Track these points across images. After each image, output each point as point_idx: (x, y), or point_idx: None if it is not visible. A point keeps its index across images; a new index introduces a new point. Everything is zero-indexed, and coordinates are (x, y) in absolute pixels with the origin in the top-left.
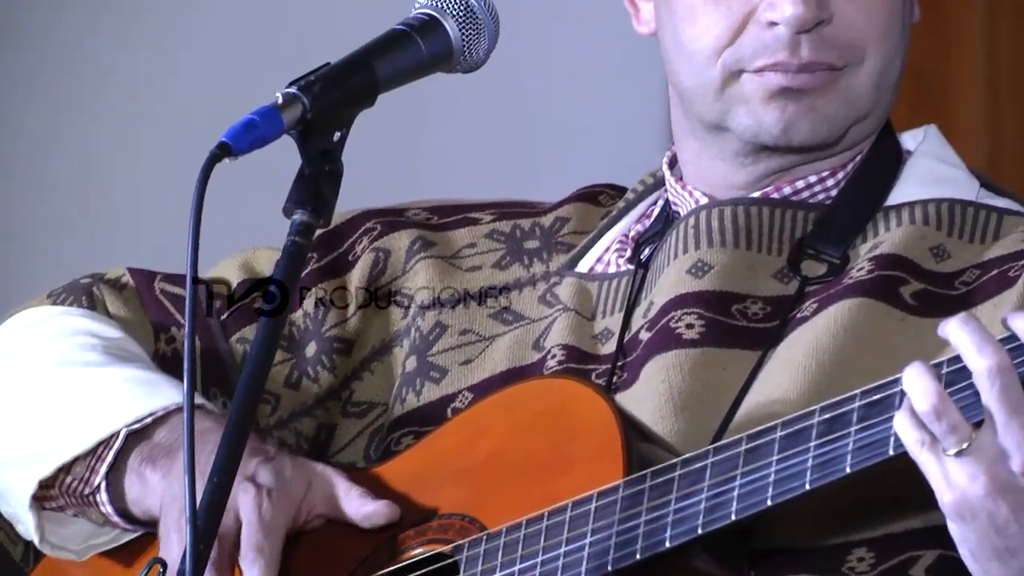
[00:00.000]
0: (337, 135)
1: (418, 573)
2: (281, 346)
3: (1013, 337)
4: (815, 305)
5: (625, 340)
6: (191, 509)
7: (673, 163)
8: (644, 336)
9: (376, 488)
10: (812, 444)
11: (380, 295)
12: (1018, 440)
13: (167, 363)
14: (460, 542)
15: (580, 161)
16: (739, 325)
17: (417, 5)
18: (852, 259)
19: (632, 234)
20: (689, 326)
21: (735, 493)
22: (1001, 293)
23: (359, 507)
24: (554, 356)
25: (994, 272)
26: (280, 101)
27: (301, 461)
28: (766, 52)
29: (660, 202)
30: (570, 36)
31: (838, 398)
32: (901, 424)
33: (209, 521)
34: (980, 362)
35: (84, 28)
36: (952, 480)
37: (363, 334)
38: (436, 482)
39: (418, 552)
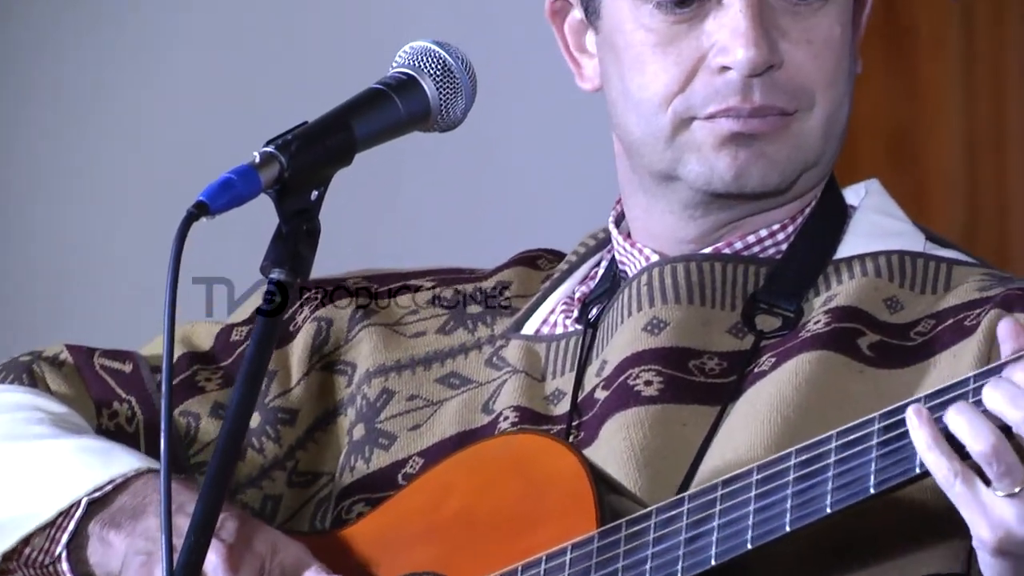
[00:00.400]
0: (314, 194)
1: None
2: (223, 416)
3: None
4: (773, 359)
5: (579, 400)
6: (168, 569)
7: (619, 221)
8: (600, 395)
9: (344, 550)
10: (790, 485)
11: (323, 364)
12: None
13: (111, 438)
14: None
15: (550, 219)
16: (697, 381)
17: (395, 64)
18: (806, 312)
19: (578, 295)
20: (648, 383)
21: (713, 537)
22: (959, 343)
23: None
24: (507, 418)
25: (949, 322)
26: (257, 160)
27: (266, 526)
28: (717, 98)
29: (604, 262)
30: (545, 96)
31: (813, 440)
32: (932, 457)
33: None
34: (1020, 413)
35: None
36: (996, 517)
37: (307, 404)
38: (404, 542)
39: None
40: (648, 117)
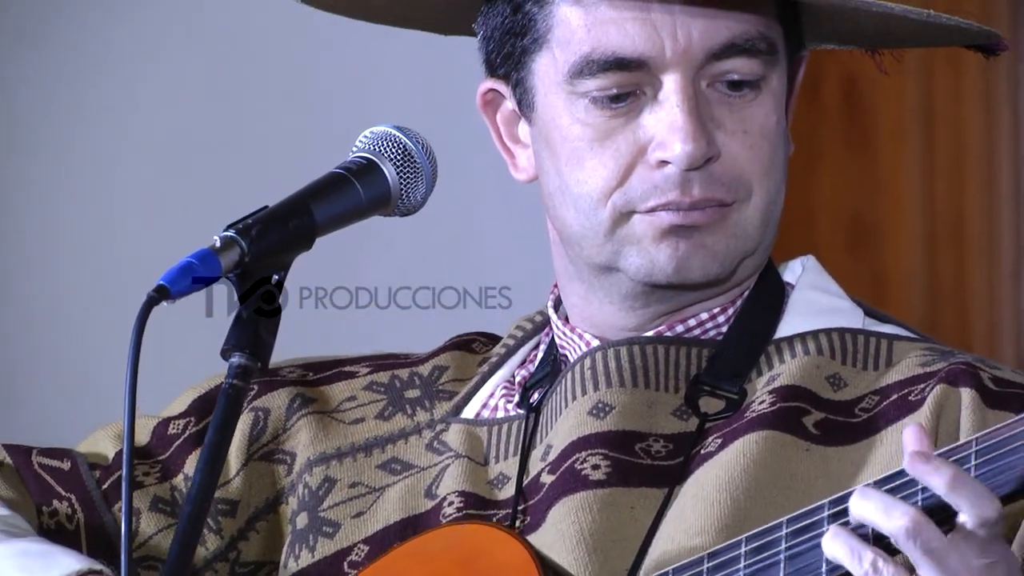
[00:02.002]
0: (275, 278)
1: None
2: (164, 511)
3: (911, 482)
4: (719, 440)
5: (524, 484)
6: None
7: (557, 304)
8: (547, 479)
9: None
10: (741, 572)
11: (261, 455)
12: None
13: (53, 537)
14: None
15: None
16: (644, 463)
17: (355, 148)
18: (749, 393)
19: (518, 379)
20: (595, 467)
21: None
22: (905, 417)
23: None
24: (451, 503)
25: (894, 397)
26: (218, 244)
27: None
28: (657, 192)
29: (543, 346)
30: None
31: (762, 527)
32: (837, 549)
33: None
34: (894, 524)
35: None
36: None
37: (246, 494)
38: None
39: None
40: (587, 211)
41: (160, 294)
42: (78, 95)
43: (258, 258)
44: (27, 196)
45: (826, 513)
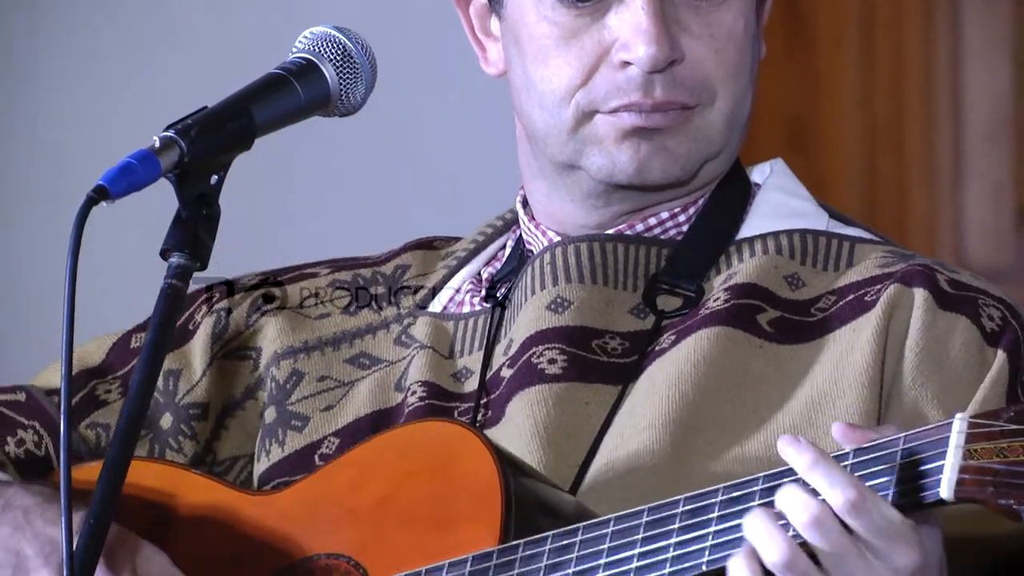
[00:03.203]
0: (214, 179)
1: None
2: None
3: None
4: (673, 337)
5: (487, 378)
6: (68, 551)
7: (525, 203)
8: (506, 373)
9: (262, 519)
10: (674, 534)
11: (225, 353)
12: None
13: (24, 466)
14: None
15: (451, 204)
16: (599, 360)
17: (295, 49)
18: (707, 292)
19: (485, 275)
20: (552, 361)
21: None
22: (859, 318)
23: None
24: (414, 393)
25: (850, 298)
26: (157, 145)
27: (130, 536)
28: (619, 93)
29: (510, 243)
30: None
31: (701, 491)
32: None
33: (87, 561)
34: (770, 557)
35: None
36: None
37: (214, 394)
38: (326, 520)
39: None
40: (551, 109)
41: (99, 195)
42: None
43: (197, 159)
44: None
45: (759, 487)
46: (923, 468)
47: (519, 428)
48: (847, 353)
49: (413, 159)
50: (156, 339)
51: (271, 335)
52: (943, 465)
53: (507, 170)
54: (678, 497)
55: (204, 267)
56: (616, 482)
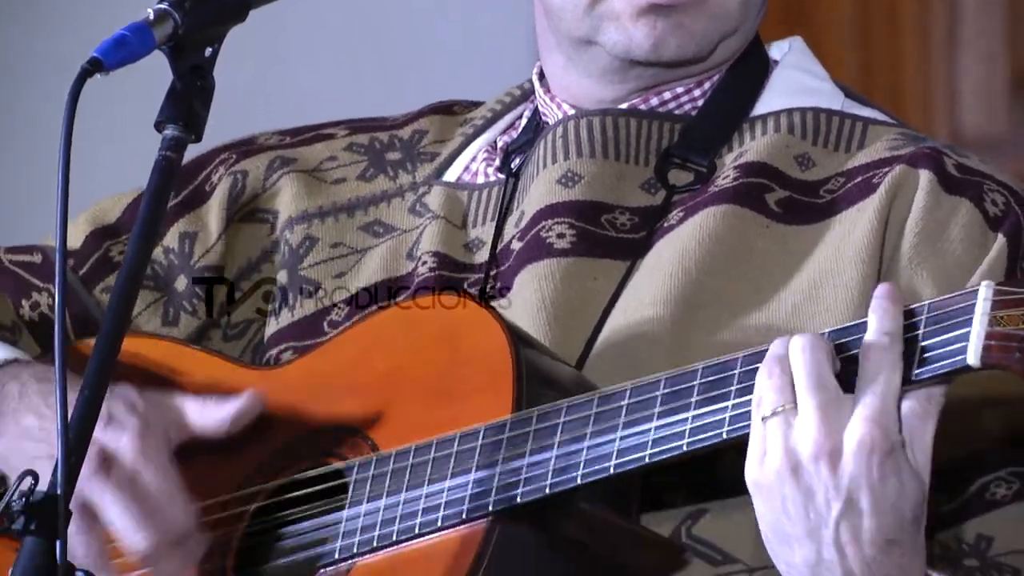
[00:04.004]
0: (208, 51)
1: (309, 490)
2: (147, 287)
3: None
4: (681, 214)
5: (498, 250)
6: (62, 422)
7: (542, 75)
8: (516, 246)
9: (270, 394)
10: (692, 407)
11: (242, 216)
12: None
13: (38, 328)
14: (352, 461)
15: (448, 78)
16: (608, 235)
17: None
18: (719, 168)
19: (500, 144)
20: (560, 235)
21: (615, 447)
22: (864, 200)
23: (217, 412)
24: (425, 263)
25: (858, 180)
26: (151, 17)
27: (142, 391)
28: None
29: (527, 113)
30: None
31: (721, 359)
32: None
33: (81, 433)
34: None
35: None
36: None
37: (229, 257)
38: (333, 392)
39: (310, 465)
40: None
41: (94, 66)
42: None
43: (191, 30)
44: None
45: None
46: (949, 335)
47: (526, 302)
48: (849, 232)
49: (418, 25)
50: (150, 212)
51: (287, 198)
52: (969, 332)
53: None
54: (696, 366)
55: (199, 139)
56: (619, 359)
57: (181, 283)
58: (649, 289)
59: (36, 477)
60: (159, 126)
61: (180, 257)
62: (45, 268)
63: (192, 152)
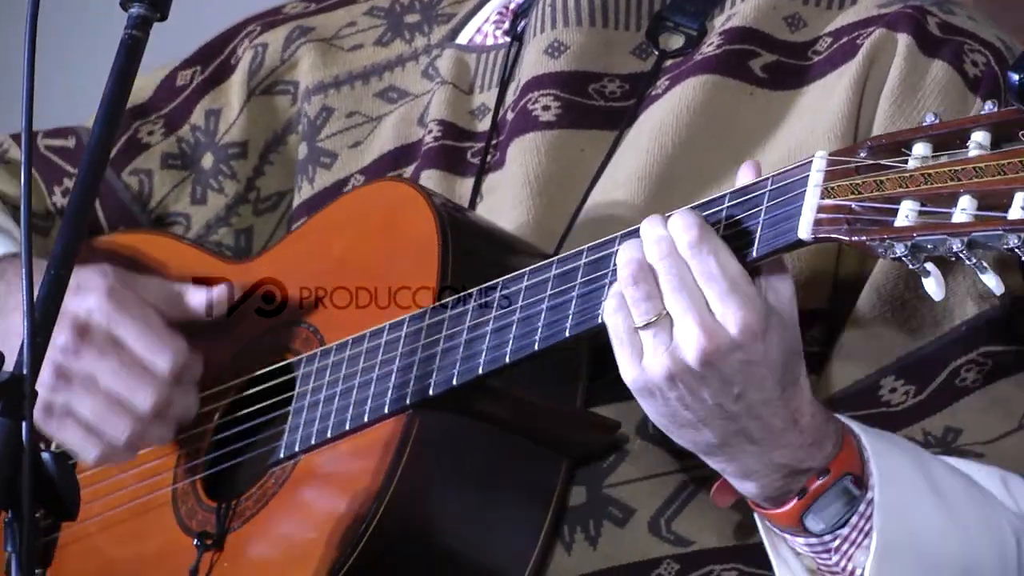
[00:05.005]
0: None
1: (263, 387)
2: (174, 166)
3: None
4: (667, 83)
5: (499, 117)
6: (28, 300)
7: None
8: (509, 116)
9: (242, 287)
10: (576, 288)
11: (263, 89)
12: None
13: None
14: (301, 356)
15: None
16: (596, 105)
17: None
18: (709, 32)
19: (512, 5)
20: (545, 108)
21: (511, 334)
22: (841, 66)
23: (196, 295)
24: (431, 131)
25: (844, 40)
26: None
27: (120, 270)
28: None
29: None
30: None
31: (602, 239)
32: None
33: (47, 312)
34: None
35: None
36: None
37: (253, 131)
38: (290, 285)
39: (273, 361)
40: None
41: None
42: None
43: None
44: None
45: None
46: (786, 209)
47: (513, 176)
48: (826, 101)
49: None
50: (114, 92)
51: (305, 68)
52: (802, 206)
53: None
54: (582, 248)
55: (164, 18)
56: (596, 236)
57: (207, 160)
58: (626, 165)
59: (2, 358)
60: (124, 4)
61: (206, 135)
62: (78, 153)
63: (221, 26)
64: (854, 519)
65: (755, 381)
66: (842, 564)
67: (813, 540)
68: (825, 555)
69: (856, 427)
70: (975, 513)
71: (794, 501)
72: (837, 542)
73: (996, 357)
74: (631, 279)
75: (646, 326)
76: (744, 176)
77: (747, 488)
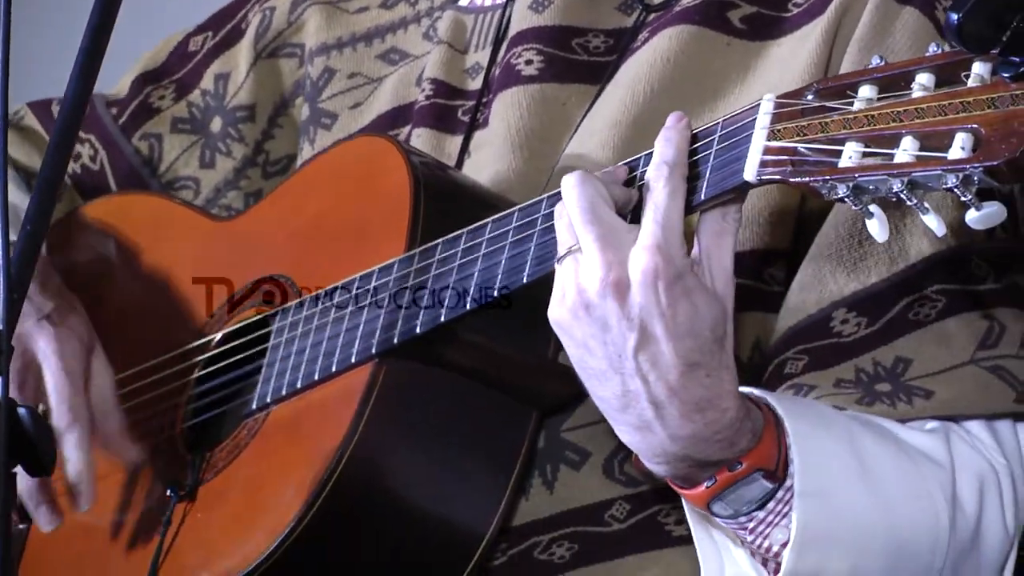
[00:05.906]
0: None
1: (240, 340)
2: (184, 130)
3: None
4: (647, 35)
5: (490, 75)
6: (3, 258)
7: None
8: (496, 72)
9: (223, 245)
10: (508, 243)
11: (269, 52)
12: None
13: (81, 178)
14: (275, 309)
15: None
16: (579, 59)
17: None
18: None
19: None
20: (528, 62)
21: (472, 282)
22: (811, 21)
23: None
24: (424, 90)
25: None
26: None
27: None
28: None
29: None
30: None
31: (533, 200)
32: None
33: (21, 270)
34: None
35: None
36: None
37: (261, 94)
38: (272, 243)
39: (248, 315)
40: None
41: None
42: None
43: None
44: None
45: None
46: (734, 152)
47: (496, 131)
48: (799, 50)
49: None
50: (90, 46)
51: (311, 30)
52: (748, 148)
53: None
54: (543, 196)
55: None
56: None
57: (216, 124)
58: (603, 115)
59: None
60: None
61: (215, 98)
62: (90, 119)
63: None
64: (771, 504)
65: (651, 337)
66: (758, 542)
67: (728, 519)
68: (742, 532)
69: (781, 409)
70: (904, 486)
71: (702, 487)
72: (752, 523)
73: (950, 295)
74: (557, 212)
75: (565, 255)
76: (667, 129)
77: (657, 470)
